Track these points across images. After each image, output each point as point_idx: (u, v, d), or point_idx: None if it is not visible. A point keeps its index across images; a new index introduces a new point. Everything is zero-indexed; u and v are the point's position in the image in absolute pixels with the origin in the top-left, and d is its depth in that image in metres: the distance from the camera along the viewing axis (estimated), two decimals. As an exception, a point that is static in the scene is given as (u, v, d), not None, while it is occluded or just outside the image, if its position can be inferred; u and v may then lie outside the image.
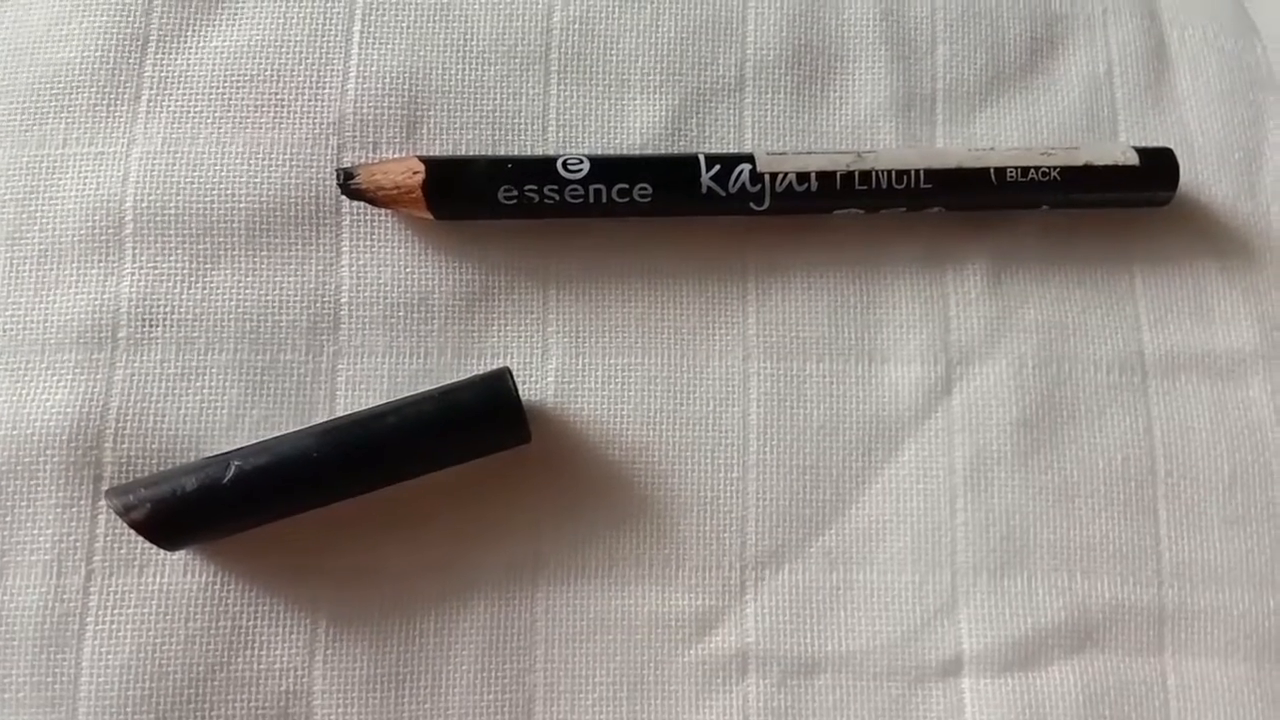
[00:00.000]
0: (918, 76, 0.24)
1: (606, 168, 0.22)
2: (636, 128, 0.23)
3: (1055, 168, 0.23)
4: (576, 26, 0.24)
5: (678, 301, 0.23)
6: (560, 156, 0.22)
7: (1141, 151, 0.23)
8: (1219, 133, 0.25)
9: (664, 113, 0.23)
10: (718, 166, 0.22)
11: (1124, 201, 0.24)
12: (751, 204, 0.22)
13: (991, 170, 0.22)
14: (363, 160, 0.22)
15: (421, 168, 0.21)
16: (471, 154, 0.23)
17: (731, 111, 0.24)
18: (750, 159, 0.22)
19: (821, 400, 0.23)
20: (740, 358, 0.23)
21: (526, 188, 0.21)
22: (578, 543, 0.22)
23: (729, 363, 0.23)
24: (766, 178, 0.22)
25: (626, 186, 0.22)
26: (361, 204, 0.22)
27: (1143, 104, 0.25)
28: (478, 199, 0.22)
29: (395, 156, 0.22)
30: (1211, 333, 0.24)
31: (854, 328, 0.23)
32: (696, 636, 0.22)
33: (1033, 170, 0.23)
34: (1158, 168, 0.23)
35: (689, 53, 0.24)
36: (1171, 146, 0.24)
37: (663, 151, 0.23)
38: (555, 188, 0.21)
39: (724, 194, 0.22)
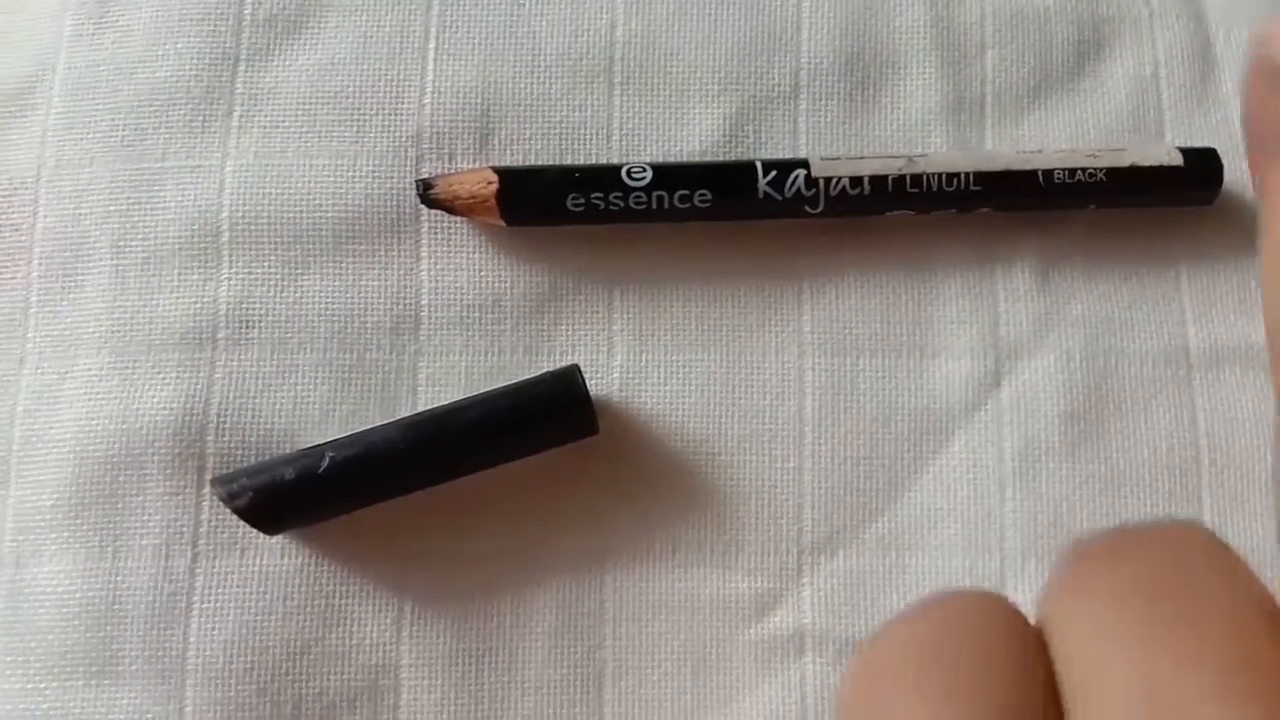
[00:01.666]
0: (967, 81, 0.25)
1: (668, 175, 0.22)
2: (696, 135, 0.24)
3: (1101, 169, 0.23)
4: (638, 40, 0.24)
5: (736, 301, 0.23)
6: (624, 165, 0.22)
7: (1186, 152, 0.23)
8: None
9: (722, 121, 0.24)
10: (774, 172, 0.22)
11: (1169, 201, 0.24)
12: (807, 207, 0.23)
13: (1039, 172, 0.23)
14: (440, 171, 0.23)
15: (495, 178, 0.22)
16: (541, 164, 0.24)
17: (787, 118, 0.24)
18: (805, 164, 0.23)
19: (874, 394, 0.23)
20: (796, 354, 0.23)
21: (593, 195, 0.22)
22: (643, 528, 0.22)
23: (785, 358, 0.23)
24: (821, 182, 0.22)
25: (687, 193, 0.22)
26: (439, 212, 0.23)
27: (1189, 104, 0.25)
28: (547, 207, 0.22)
29: (470, 168, 0.23)
30: (1255, 327, 0.24)
31: (905, 324, 0.23)
32: (756, 617, 0.22)
33: (1079, 172, 0.23)
34: (1202, 168, 0.24)
35: (745, 62, 0.24)
36: (1217, 146, 0.24)
37: (721, 158, 0.24)
38: (620, 195, 0.22)
39: (780, 198, 0.22)
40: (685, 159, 0.24)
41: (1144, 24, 0.26)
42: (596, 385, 0.23)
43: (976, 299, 0.24)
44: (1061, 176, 0.23)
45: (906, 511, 0.23)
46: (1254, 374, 0.24)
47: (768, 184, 0.22)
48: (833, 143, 0.24)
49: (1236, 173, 0.24)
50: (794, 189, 0.22)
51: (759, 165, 0.23)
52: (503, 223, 0.23)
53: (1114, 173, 0.23)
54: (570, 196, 0.22)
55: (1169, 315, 0.24)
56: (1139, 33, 0.25)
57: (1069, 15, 0.25)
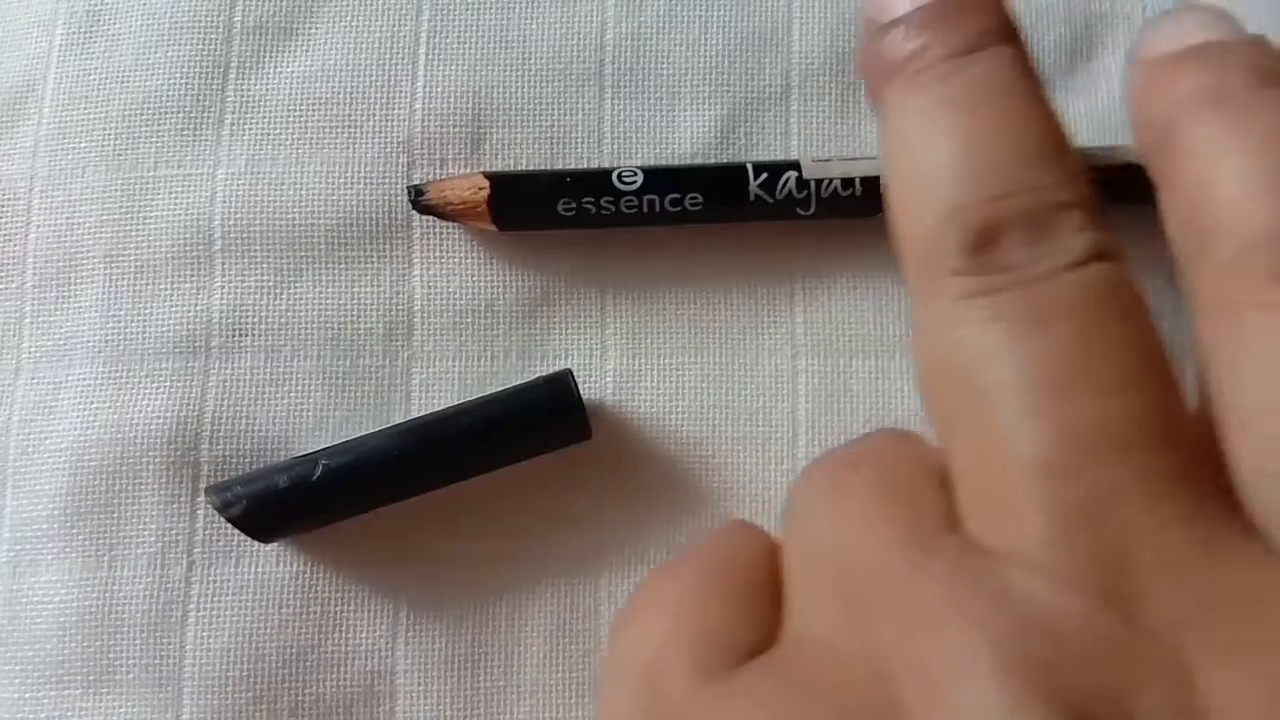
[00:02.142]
0: (958, 79, 0.25)
1: (659, 178, 0.22)
2: (688, 137, 0.24)
3: (1094, 168, 0.23)
4: (629, 43, 0.24)
5: (728, 304, 0.23)
6: (615, 169, 0.22)
7: None
8: None
9: (714, 123, 0.24)
10: (765, 174, 0.22)
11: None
12: (798, 209, 0.23)
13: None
14: (431, 177, 0.23)
15: (486, 183, 0.22)
16: (533, 169, 0.24)
17: (778, 120, 0.24)
18: (796, 166, 0.23)
19: (868, 395, 0.23)
20: (789, 356, 0.23)
21: (584, 200, 0.22)
22: (637, 532, 0.22)
23: (778, 361, 0.23)
24: (812, 184, 0.22)
25: (678, 196, 0.22)
26: (431, 218, 0.23)
27: (1180, 102, 0.25)
28: (539, 211, 0.22)
29: (462, 173, 0.23)
30: None
31: (898, 325, 0.23)
32: (750, 619, 0.22)
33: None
34: None
35: (736, 64, 0.24)
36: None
37: (713, 160, 0.24)
38: (611, 199, 0.22)
39: (772, 200, 0.22)
40: (677, 161, 0.24)
41: (1137, 21, 0.25)
42: (590, 390, 0.23)
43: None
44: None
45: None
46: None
47: (759, 186, 0.22)
48: (824, 143, 0.24)
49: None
50: (785, 191, 0.22)
51: (750, 167, 0.23)
52: (494, 228, 0.23)
53: (1107, 171, 0.23)
54: (561, 201, 0.22)
55: (1160, 308, 0.24)
56: (1132, 30, 0.25)
57: (1060, 13, 0.25)
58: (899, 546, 0.13)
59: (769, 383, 0.23)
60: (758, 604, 0.15)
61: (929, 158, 0.15)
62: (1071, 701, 0.11)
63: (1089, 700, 0.11)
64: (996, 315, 0.14)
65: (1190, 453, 0.13)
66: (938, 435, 0.15)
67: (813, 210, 0.23)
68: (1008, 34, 0.17)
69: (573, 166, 0.24)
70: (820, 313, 0.23)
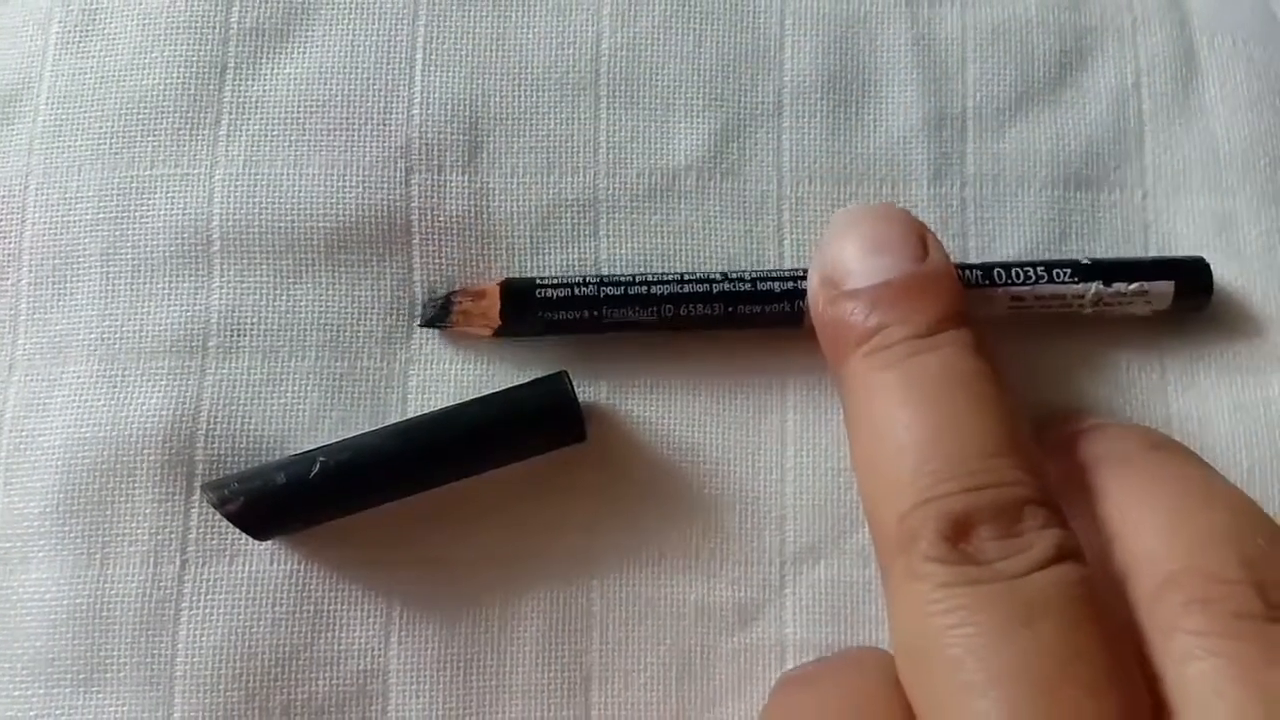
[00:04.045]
0: (949, 96, 0.25)
1: (670, 320, 0.22)
2: (681, 149, 0.24)
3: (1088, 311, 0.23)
4: (623, 53, 0.24)
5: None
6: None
7: (1177, 275, 0.23)
8: (1244, 140, 0.25)
9: (707, 137, 0.24)
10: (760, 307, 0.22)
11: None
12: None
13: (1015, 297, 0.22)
14: (431, 184, 0.24)
15: (496, 323, 0.22)
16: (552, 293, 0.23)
17: (770, 135, 0.24)
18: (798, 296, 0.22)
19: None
20: (780, 366, 0.24)
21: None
22: (630, 535, 0.23)
23: (770, 371, 0.24)
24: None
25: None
26: (429, 224, 0.23)
27: (1170, 114, 0.25)
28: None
29: (475, 292, 0.23)
30: (1232, 332, 0.24)
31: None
32: (739, 625, 0.23)
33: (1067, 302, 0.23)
34: (1192, 285, 0.23)
35: (730, 79, 0.25)
36: (1196, 157, 0.25)
37: (709, 175, 0.24)
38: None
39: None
40: (672, 173, 0.24)
41: (1127, 33, 0.26)
42: (585, 393, 0.23)
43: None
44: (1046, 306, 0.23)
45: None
46: (1229, 379, 0.24)
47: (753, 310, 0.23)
48: (815, 159, 0.24)
49: (1217, 180, 0.25)
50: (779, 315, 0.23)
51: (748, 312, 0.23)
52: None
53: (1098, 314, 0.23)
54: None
55: (1143, 323, 0.24)
56: (1122, 42, 0.26)
57: (1051, 26, 0.25)
58: None
59: (760, 393, 0.23)
60: None
61: (898, 439, 0.17)
62: None
63: None
64: (978, 608, 0.15)
65: None
66: (913, 704, 0.16)
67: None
68: (963, 316, 0.18)
69: (569, 177, 0.24)
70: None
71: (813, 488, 0.23)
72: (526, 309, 0.22)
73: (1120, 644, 0.15)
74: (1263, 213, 0.25)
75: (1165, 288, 0.23)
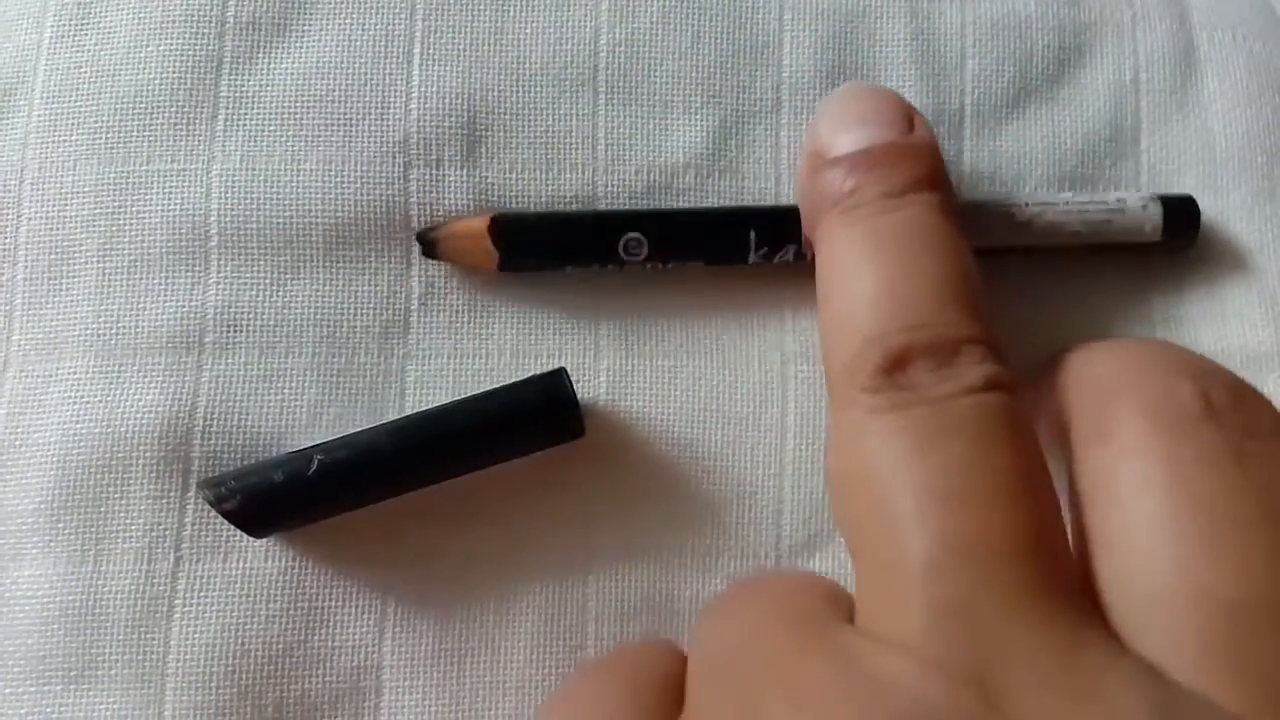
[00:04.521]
0: (947, 92, 0.25)
1: (663, 245, 0.23)
2: (680, 146, 0.24)
3: (1083, 238, 0.23)
4: (622, 49, 0.24)
5: (721, 308, 0.24)
6: (622, 238, 0.23)
7: (1165, 208, 0.23)
8: (1242, 136, 0.25)
9: (705, 133, 0.24)
10: (766, 249, 0.23)
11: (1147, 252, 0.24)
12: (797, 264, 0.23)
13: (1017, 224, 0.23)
14: (429, 179, 0.24)
15: (495, 252, 0.22)
16: (538, 212, 0.24)
17: (769, 132, 0.24)
18: (797, 236, 0.22)
19: (854, 401, 0.23)
20: (779, 361, 0.24)
21: (590, 263, 0.23)
22: (627, 530, 0.23)
23: (768, 365, 0.24)
24: (809, 256, 0.23)
25: (681, 262, 0.23)
26: (427, 220, 0.23)
27: (1167, 109, 0.25)
28: (544, 264, 0.23)
29: (465, 203, 0.24)
30: (1227, 332, 0.24)
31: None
32: (737, 619, 0.23)
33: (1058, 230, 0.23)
34: (1180, 221, 0.24)
35: (729, 75, 0.25)
36: (1192, 153, 0.25)
37: (706, 172, 0.24)
38: (616, 266, 0.23)
39: (770, 264, 0.23)
40: (671, 169, 0.24)
41: (1126, 28, 0.26)
42: (584, 389, 0.23)
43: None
44: (1042, 232, 0.23)
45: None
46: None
47: (760, 255, 0.23)
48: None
49: (1213, 176, 0.25)
50: (783, 259, 0.23)
51: (752, 238, 0.23)
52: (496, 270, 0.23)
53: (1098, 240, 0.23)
54: (567, 266, 0.23)
55: (1140, 319, 0.24)
56: (1120, 37, 0.26)
57: (1050, 21, 0.25)
58: (787, 637, 0.15)
59: (759, 386, 0.23)
60: (660, 705, 0.17)
61: (855, 287, 0.17)
62: None
63: None
64: (900, 429, 0.16)
65: (1060, 564, 0.15)
66: (843, 535, 0.17)
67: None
68: (937, 181, 0.19)
69: (567, 173, 0.24)
70: (810, 319, 0.24)
71: (811, 481, 0.23)
72: (524, 250, 0.23)
73: (1032, 455, 0.16)
74: (1257, 210, 0.25)
75: (1154, 209, 0.23)
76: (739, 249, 0.23)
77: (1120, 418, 0.16)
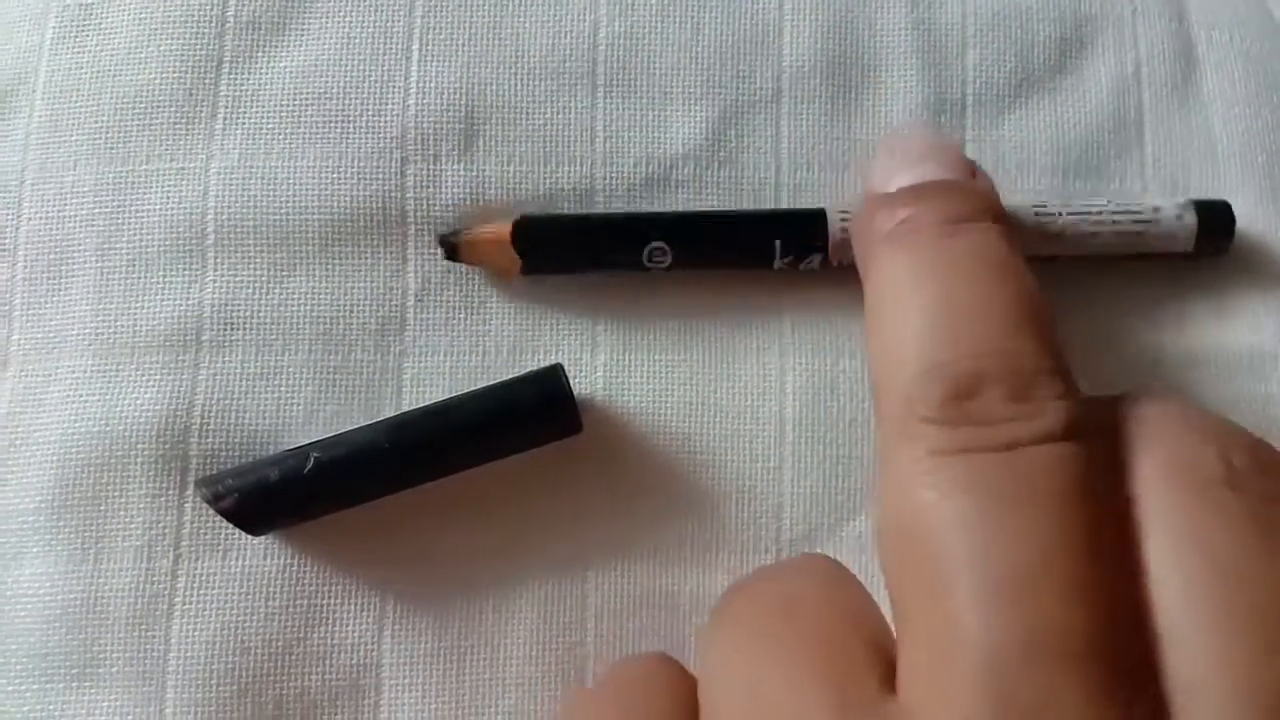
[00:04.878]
0: (948, 82, 0.25)
1: (688, 257, 0.23)
2: (679, 138, 0.24)
3: (1116, 245, 0.23)
4: (621, 42, 0.24)
5: (718, 302, 0.24)
6: (646, 247, 0.22)
7: (1200, 214, 0.23)
8: (1242, 136, 0.25)
9: (705, 124, 0.24)
10: (791, 256, 0.23)
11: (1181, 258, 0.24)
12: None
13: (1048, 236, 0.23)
14: (426, 175, 0.23)
15: (517, 259, 0.22)
16: (561, 218, 0.23)
17: (769, 122, 0.24)
18: (824, 244, 0.22)
19: (854, 395, 0.23)
20: (777, 355, 0.23)
21: (613, 265, 0.23)
22: (625, 526, 0.22)
23: (766, 359, 0.23)
24: (835, 265, 0.23)
25: (705, 271, 0.23)
26: (424, 215, 0.23)
27: (1169, 106, 0.25)
28: (567, 268, 0.23)
29: (482, 213, 0.23)
30: (1230, 330, 0.24)
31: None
32: (736, 615, 0.22)
33: (1092, 240, 0.23)
34: (1215, 227, 0.23)
35: (728, 66, 0.24)
36: (1195, 149, 0.24)
37: (706, 164, 0.24)
38: (639, 271, 0.23)
39: (796, 270, 0.23)
40: (670, 162, 0.24)
41: (1126, 22, 0.25)
42: (581, 385, 0.23)
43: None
44: (1073, 243, 0.23)
45: (885, 510, 0.23)
46: (1229, 377, 0.24)
47: (784, 263, 0.23)
48: (814, 145, 0.24)
49: (1215, 176, 0.25)
50: (809, 268, 0.23)
51: (778, 247, 0.23)
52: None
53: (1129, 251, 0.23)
54: (590, 272, 0.23)
55: (1144, 318, 0.24)
56: (1121, 31, 0.25)
57: (1051, 13, 0.25)
58: (822, 702, 0.13)
59: (757, 381, 0.23)
60: None
61: (913, 312, 0.16)
62: None
63: None
64: (966, 484, 0.14)
65: (1133, 664, 0.13)
66: (889, 589, 0.15)
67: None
68: (997, 215, 0.17)
69: (566, 170, 0.24)
70: (809, 313, 0.24)
71: (811, 475, 0.23)
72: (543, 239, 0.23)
73: (1114, 529, 0.14)
74: (1259, 210, 0.25)
75: (1189, 218, 0.23)
76: (763, 257, 0.23)
77: (1141, 481, 0.14)
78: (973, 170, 0.19)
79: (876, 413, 0.16)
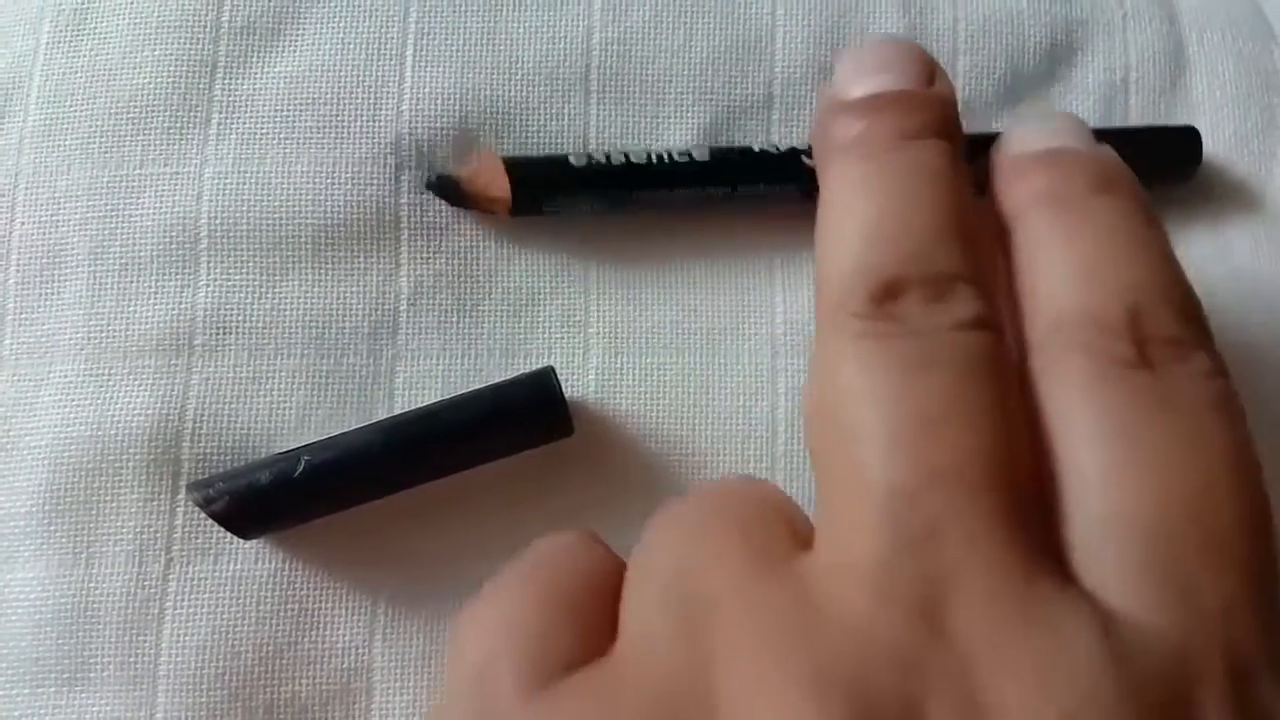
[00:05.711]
0: (940, 88, 0.25)
1: (709, 171, 0.23)
2: (672, 144, 0.24)
3: None
4: (614, 48, 0.24)
5: (710, 303, 0.24)
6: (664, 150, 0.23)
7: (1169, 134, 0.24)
8: (1231, 137, 0.25)
9: (697, 130, 0.24)
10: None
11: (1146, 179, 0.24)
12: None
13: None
14: (421, 178, 0.24)
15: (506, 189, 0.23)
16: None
17: (760, 128, 0.24)
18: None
19: (846, 396, 0.23)
20: (769, 355, 0.23)
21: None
22: (618, 529, 0.22)
23: (758, 360, 0.23)
24: None
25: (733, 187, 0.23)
26: (417, 220, 0.23)
27: (1157, 109, 0.25)
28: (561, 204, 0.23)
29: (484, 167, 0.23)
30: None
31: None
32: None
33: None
34: (1182, 146, 0.24)
35: (720, 72, 0.24)
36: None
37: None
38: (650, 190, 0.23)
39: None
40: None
41: (1117, 26, 0.26)
42: (572, 387, 0.23)
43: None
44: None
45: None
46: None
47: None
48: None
49: (1203, 176, 0.25)
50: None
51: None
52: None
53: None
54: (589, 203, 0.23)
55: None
56: (1111, 35, 0.26)
57: (1041, 18, 0.25)
58: (744, 564, 0.15)
59: (749, 382, 0.23)
60: (591, 618, 0.16)
61: (851, 221, 0.17)
62: (869, 701, 0.13)
63: (886, 700, 0.13)
64: (881, 358, 0.15)
65: (1026, 498, 0.15)
66: (812, 463, 0.16)
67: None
68: (949, 132, 0.19)
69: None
70: (801, 313, 0.24)
71: (804, 475, 0.23)
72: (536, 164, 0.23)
73: (1011, 394, 0.16)
74: (1248, 209, 0.25)
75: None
76: (792, 165, 0.23)
77: (1059, 356, 0.16)
78: (931, 76, 0.19)
79: (816, 309, 0.18)
